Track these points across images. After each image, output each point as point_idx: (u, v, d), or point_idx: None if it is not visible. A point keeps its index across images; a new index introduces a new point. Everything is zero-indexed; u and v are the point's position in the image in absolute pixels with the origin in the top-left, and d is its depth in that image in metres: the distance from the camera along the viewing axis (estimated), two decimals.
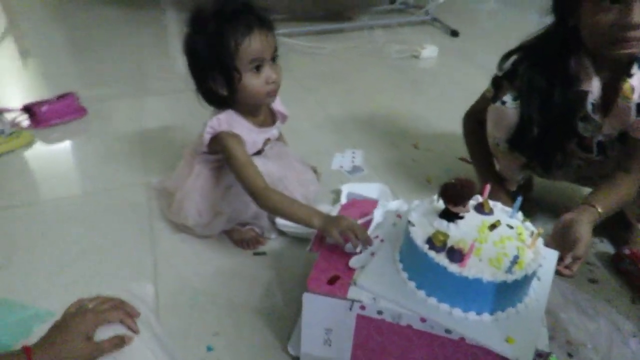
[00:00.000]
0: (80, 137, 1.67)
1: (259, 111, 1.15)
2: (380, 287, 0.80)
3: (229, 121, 1.08)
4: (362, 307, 0.79)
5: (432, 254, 0.75)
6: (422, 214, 0.84)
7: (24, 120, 1.69)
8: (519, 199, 0.84)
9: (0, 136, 1.54)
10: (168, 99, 1.90)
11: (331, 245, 0.90)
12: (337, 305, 0.80)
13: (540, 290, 0.81)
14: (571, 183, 1.31)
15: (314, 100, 1.95)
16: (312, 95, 1.98)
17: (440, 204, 0.83)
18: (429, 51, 2.31)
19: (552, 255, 0.89)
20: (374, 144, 1.65)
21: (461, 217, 0.81)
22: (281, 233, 1.22)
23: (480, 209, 0.86)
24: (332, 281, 0.83)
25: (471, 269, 0.73)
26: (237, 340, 0.97)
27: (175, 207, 1.20)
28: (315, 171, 1.42)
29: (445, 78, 2.16)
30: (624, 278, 1.12)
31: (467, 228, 0.81)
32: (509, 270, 0.73)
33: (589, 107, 1.05)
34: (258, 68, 1.02)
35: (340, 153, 1.58)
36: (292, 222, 1.00)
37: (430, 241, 0.77)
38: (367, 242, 0.88)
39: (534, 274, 0.76)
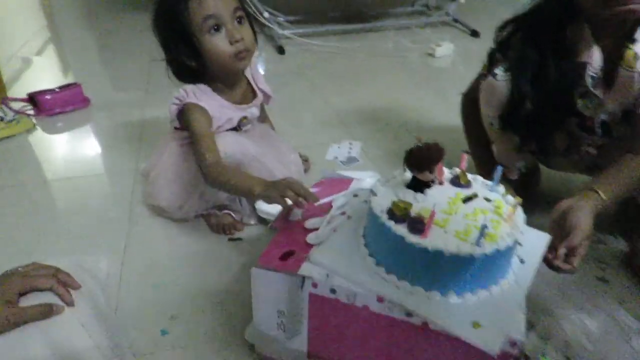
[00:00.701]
0: (80, 126, 1.67)
1: (235, 86, 1.09)
2: (336, 263, 0.71)
3: (196, 92, 1.02)
4: (315, 285, 0.70)
5: (390, 223, 0.66)
6: (388, 185, 0.75)
7: (29, 108, 1.71)
8: (499, 168, 0.74)
9: (2, 122, 1.56)
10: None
11: (293, 222, 0.83)
12: (288, 282, 0.72)
13: (522, 274, 0.70)
14: (581, 174, 1.17)
15: (320, 95, 1.89)
16: (318, 91, 1.92)
17: (409, 174, 0.74)
18: (445, 49, 2.22)
19: (542, 237, 0.78)
20: (375, 137, 1.56)
21: (429, 186, 0.72)
22: (262, 220, 1.15)
23: (456, 181, 0.76)
24: (285, 257, 0.74)
25: (432, 240, 0.63)
26: (195, 325, 0.90)
27: (149, 188, 1.15)
28: (306, 160, 1.35)
29: (459, 76, 2.03)
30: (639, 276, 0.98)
31: (436, 199, 0.71)
32: (477, 242, 0.63)
33: (589, 81, 0.94)
34: (217, 29, 0.97)
35: (336, 144, 1.51)
36: (234, 194, 1.04)
37: (390, 211, 0.68)
38: (308, 197, 0.79)
39: (509, 250, 0.65)
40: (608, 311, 0.83)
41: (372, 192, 0.73)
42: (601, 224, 1.13)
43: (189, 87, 1.03)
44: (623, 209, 1.13)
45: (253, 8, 2.29)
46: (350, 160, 1.42)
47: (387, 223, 0.66)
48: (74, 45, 2.53)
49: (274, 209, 0.95)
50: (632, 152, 0.93)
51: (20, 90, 1.84)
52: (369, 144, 1.52)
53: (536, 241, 0.77)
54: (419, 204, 0.70)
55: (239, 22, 1.00)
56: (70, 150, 1.54)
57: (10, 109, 1.63)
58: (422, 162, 0.69)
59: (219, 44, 0.97)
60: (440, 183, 0.75)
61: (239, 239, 1.12)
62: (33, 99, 1.71)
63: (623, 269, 1.02)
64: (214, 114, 1.03)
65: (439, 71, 2.17)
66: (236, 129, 1.11)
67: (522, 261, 0.72)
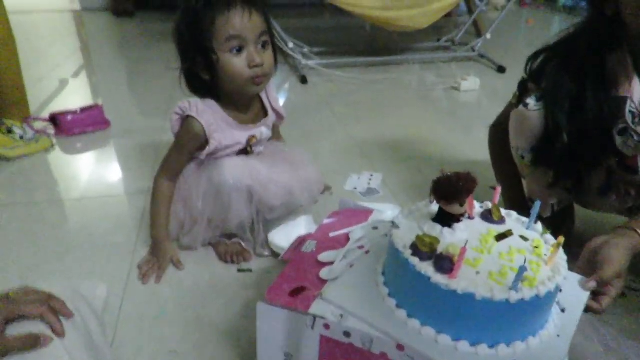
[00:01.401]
0: (98, 147, 1.66)
1: (247, 107, 1.05)
2: (351, 303, 0.64)
3: (199, 107, 0.99)
4: (327, 327, 0.63)
5: (414, 261, 0.58)
6: (412, 217, 0.68)
7: (50, 128, 1.71)
8: (538, 203, 0.66)
9: (21, 140, 1.56)
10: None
11: (306, 254, 0.76)
12: (297, 321, 0.65)
13: (564, 325, 0.61)
14: (619, 215, 1.08)
15: (342, 125, 1.85)
16: (340, 121, 1.89)
17: (435, 206, 0.67)
18: (471, 83, 2.17)
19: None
20: (397, 169, 1.50)
21: (458, 221, 0.65)
22: (275, 253, 1.09)
23: (487, 215, 0.68)
24: (295, 292, 0.67)
25: (462, 282, 0.55)
26: None
27: None
28: (328, 189, 1.30)
29: (485, 111, 1.99)
30: None
31: (466, 235, 0.64)
32: (514, 286, 0.55)
33: (628, 117, 0.86)
34: (240, 50, 0.94)
35: (356, 174, 1.45)
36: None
37: (414, 246, 0.61)
38: (158, 276, 1.02)
39: (550, 297, 0.57)
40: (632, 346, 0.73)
41: (394, 225, 0.66)
42: None
43: (194, 100, 1.00)
44: None
45: (278, 37, 2.30)
46: (370, 192, 1.36)
47: (411, 260, 0.59)
48: (103, 70, 2.57)
49: (288, 242, 0.89)
50: None
51: (46, 110, 1.85)
52: (391, 176, 1.45)
53: (577, 287, 0.68)
54: (447, 240, 0.62)
55: (262, 47, 0.97)
56: (86, 170, 1.52)
57: (31, 128, 1.63)
58: (451, 193, 0.62)
59: (237, 65, 0.95)
60: (471, 218, 0.68)
61: (249, 270, 1.05)
62: (54, 119, 1.71)
63: None
64: (214, 132, 0.99)
65: (464, 106, 2.12)
66: (246, 150, 1.07)
67: (563, 310, 0.63)
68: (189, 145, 1.01)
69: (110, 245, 1.13)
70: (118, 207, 1.30)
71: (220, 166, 1.00)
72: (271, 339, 0.68)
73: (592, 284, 0.68)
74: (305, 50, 2.50)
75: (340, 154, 1.61)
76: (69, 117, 1.70)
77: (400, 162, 1.55)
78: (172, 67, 1.03)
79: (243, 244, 1.08)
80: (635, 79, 0.86)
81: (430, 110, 2.06)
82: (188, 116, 0.98)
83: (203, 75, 0.98)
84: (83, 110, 1.73)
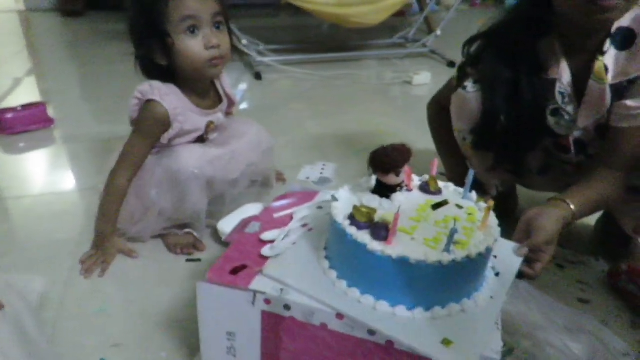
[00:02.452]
0: (42, 145, 1.58)
1: (205, 91, 1.04)
2: (292, 277, 0.63)
3: (162, 90, 0.96)
4: (267, 301, 0.62)
5: (352, 230, 0.59)
6: (352, 191, 0.69)
7: None
8: (471, 172, 0.68)
9: None
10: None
11: (249, 235, 0.75)
12: (238, 298, 0.64)
13: (497, 288, 0.63)
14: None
15: (296, 120, 1.85)
16: (295, 116, 1.88)
17: (374, 181, 0.68)
18: (422, 77, 2.22)
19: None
20: (352, 160, 1.51)
21: (396, 191, 0.66)
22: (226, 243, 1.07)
23: (425, 187, 0.70)
24: (236, 271, 0.66)
25: (397, 247, 0.56)
26: (138, 354, 0.80)
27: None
28: (282, 178, 1.31)
29: None
30: (622, 298, 0.92)
31: (403, 205, 0.64)
32: (446, 249, 0.56)
33: (559, 97, 0.90)
34: (195, 31, 0.92)
35: (309, 165, 1.45)
36: None
37: (352, 217, 0.61)
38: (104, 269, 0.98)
39: (482, 259, 0.59)
40: (593, 333, 0.76)
41: (334, 198, 0.66)
42: (583, 245, 1.09)
43: (156, 83, 0.97)
44: (603, 229, 1.08)
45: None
46: (323, 181, 1.36)
47: (349, 230, 0.59)
48: (51, 71, 2.46)
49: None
50: (606, 166, 0.89)
51: None
52: (345, 166, 1.46)
53: (511, 253, 0.70)
54: (384, 209, 0.63)
55: (217, 28, 0.96)
56: (28, 169, 1.45)
57: None
58: (387, 163, 0.63)
59: (194, 46, 0.93)
60: (409, 189, 0.69)
61: (198, 259, 1.03)
62: None
63: (605, 289, 0.96)
64: (177, 117, 0.97)
65: (417, 99, 2.16)
66: (202, 137, 1.05)
67: (497, 274, 0.65)
68: (153, 131, 0.97)
69: (52, 243, 1.08)
70: (61, 204, 1.24)
71: (178, 154, 0.98)
72: (213, 319, 0.66)
73: (525, 250, 0.71)
74: (261, 47, 2.49)
75: (296, 149, 1.60)
76: (10, 115, 1.62)
77: (355, 154, 1.56)
78: (124, 61, 1.01)
79: (196, 234, 1.06)
80: (563, 62, 0.89)
81: (385, 104, 2.09)
82: (149, 100, 0.95)
83: (160, 61, 0.95)
84: (25, 107, 1.65)
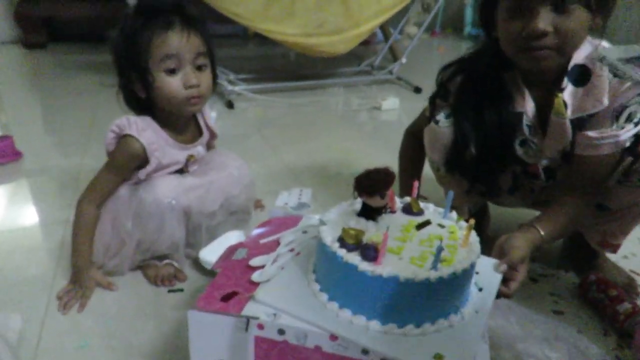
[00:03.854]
0: (10, 179, 1.53)
1: (184, 126, 1.05)
2: (284, 301, 0.64)
3: (139, 125, 0.96)
4: (260, 326, 0.63)
5: (342, 252, 0.61)
6: (338, 215, 0.71)
7: None
8: (450, 194, 0.72)
9: None
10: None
11: (237, 262, 0.76)
12: (230, 325, 0.64)
13: (481, 302, 0.66)
14: (529, 209, 1.18)
15: (270, 147, 1.87)
16: (268, 144, 1.91)
17: (359, 204, 0.71)
18: (390, 103, 2.29)
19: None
20: (327, 184, 1.54)
21: (381, 213, 0.68)
22: (207, 272, 1.06)
23: (408, 209, 0.73)
24: (227, 298, 0.67)
25: (387, 267, 0.59)
26: None
27: None
28: (260, 205, 1.33)
29: (405, 127, 2.11)
30: (593, 308, 0.97)
31: (389, 226, 0.67)
32: (433, 266, 0.59)
33: (526, 129, 0.96)
34: (175, 70, 0.94)
35: (286, 191, 1.47)
36: None
37: (341, 239, 0.63)
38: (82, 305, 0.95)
39: (467, 274, 0.62)
40: (569, 341, 0.80)
41: (321, 222, 0.68)
42: (552, 259, 1.15)
43: (134, 118, 0.97)
44: (571, 244, 1.14)
45: None
46: (301, 206, 1.38)
47: (338, 252, 0.61)
48: (14, 103, 2.41)
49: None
50: (574, 190, 0.94)
51: None
52: (321, 191, 1.49)
53: (491, 270, 0.74)
54: (371, 231, 0.66)
55: (199, 68, 0.97)
56: None
57: None
58: (372, 186, 0.65)
59: (172, 85, 0.94)
60: (393, 211, 0.72)
61: (180, 289, 1.02)
62: None
63: (576, 300, 1.01)
64: (154, 152, 0.97)
65: (386, 124, 2.23)
66: (182, 169, 1.06)
67: (480, 289, 0.68)
68: (126, 166, 0.98)
69: (24, 279, 1.04)
70: (32, 239, 1.21)
71: (153, 186, 0.98)
72: (204, 348, 0.66)
73: (504, 267, 0.75)
74: (231, 77, 2.52)
75: (271, 176, 1.62)
76: None
77: (329, 179, 1.59)
78: (105, 84, 1.02)
79: (176, 264, 1.05)
80: (527, 95, 0.95)
81: (355, 129, 2.14)
82: (126, 135, 0.95)
83: (139, 93, 0.97)
84: None
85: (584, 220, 0.98)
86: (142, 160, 0.97)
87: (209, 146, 1.17)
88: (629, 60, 0.50)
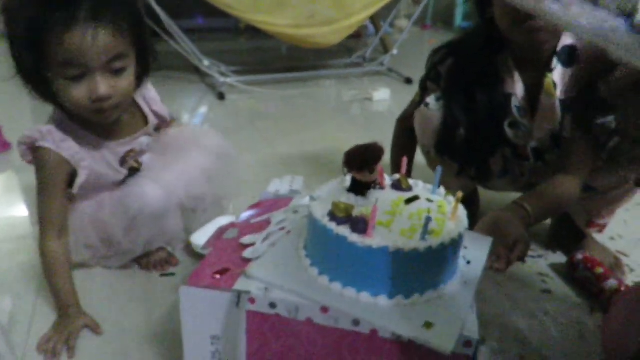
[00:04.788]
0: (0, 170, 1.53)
1: (115, 122, 0.89)
2: (275, 276, 0.65)
3: (57, 135, 0.82)
4: (252, 301, 0.63)
5: (332, 225, 0.62)
6: (329, 192, 0.72)
7: None
8: (439, 169, 0.73)
9: None
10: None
11: (228, 241, 0.76)
12: (222, 300, 0.64)
13: (470, 275, 0.67)
14: (517, 192, 1.20)
15: (262, 138, 1.87)
16: (260, 134, 1.91)
17: (348, 181, 0.71)
18: (382, 94, 2.30)
19: (484, 241, 0.76)
20: (319, 172, 1.55)
21: (371, 188, 0.69)
22: (199, 256, 1.06)
23: (397, 185, 0.74)
24: (219, 274, 0.67)
25: (377, 238, 0.59)
26: None
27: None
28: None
29: (396, 117, 2.12)
30: (580, 286, 0.98)
31: (379, 201, 0.68)
32: (422, 237, 0.59)
33: (515, 111, 0.98)
34: (79, 77, 0.75)
35: (278, 179, 1.47)
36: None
37: (331, 214, 0.64)
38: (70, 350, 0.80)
39: (455, 245, 0.63)
40: (555, 314, 0.81)
41: (312, 198, 0.68)
42: (541, 240, 1.16)
43: (47, 128, 0.83)
44: (559, 225, 1.15)
45: (193, 57, 2.30)
46: (292, 194, 1.37)
47: (329, 225, 0.62)
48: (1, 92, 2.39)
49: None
50: (563, 171, 0.96)
51: None
52: (313, 179, 1.49)
53: (480, 244, 0.75)
54: (361, 206, 0.66)
55: (115, 73, 0.79)
56: None
57: None
58: (361, 161, 0.66)
59: (75, 95, 0.77)
60: (382, 187, 0.73)
61: (172, 274, 1.02)
62: None
63: (564, 280, 1.02)
64: (80, 162, 0.85)
65: (378, 115, 2.24)
66: (122, 164, 0.94)
67: (468, 262, 0.69)
68: (57, 179, 0.84)
69: (15, 265, 1.03)
70: (21, 228, 1.19)
71: (142, 195, 0.89)
72: (197, 324, 0.67)
73: (503, 267, 0.76)
74: (223, 69, 2.51)
75: (263, 166, 1.62)
76: None
77: (321, 167, 1.59)
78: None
79: (169, 249, 1.05)
80: (517, 77, 0.97)
81: (346, 120, 2.15)
82: (39, 147, 0.82)
83: (40, 94, 0.80)
84: None
85: (571, 201, 1.00)
86: (69, 168, 0.85)
87: (162, 129, 1.03)
88: None
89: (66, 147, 0.83)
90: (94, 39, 0.73)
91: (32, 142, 0.83)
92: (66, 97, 0.78)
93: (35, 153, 0.84)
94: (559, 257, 1.10)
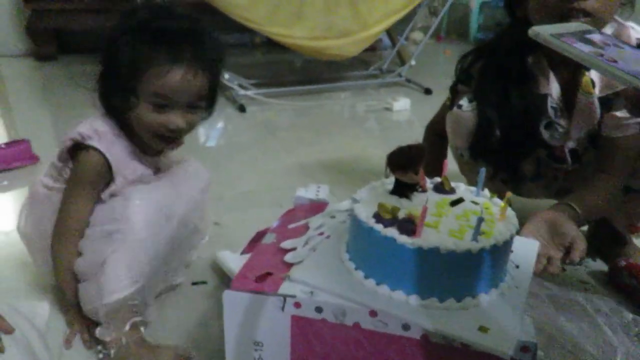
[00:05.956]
0: (27, 182, 1.54)
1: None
2: (319, 279, 0.64)
3: (109, 137, 0.82)
4: (297, 305, 0.62)
5: (379, 227, 0.60)
6: (370, 194, 0.71)
7: None
8: (482, 171, 0.71)
9: None
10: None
11: (267, 246, 0.75)
12: (267, 304, 0.63)
13: (520, 278, 0.65)
14: (550, 199, 1.17)
15: (283, 148, 1.88)
16: (281, 144, 1.92)
17: (390, 184, 0.70)
18: (402, 104, 2.29)
19: (531, 244, 0.74)
20: (342, 181, 1.54)
21: (415, 190, 0.68)
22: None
23: (439, 187, 0.72)
24: (261, 279, 0.66)
25: (427, 239, 0.58)
26: None
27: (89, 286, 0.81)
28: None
29: (417, 127, 2.10)
30: (623, 293, 0.96)
31: (423, 202, 0.66)
32: (474, 237, 0.58)
33: (551, 112, 0.96)
34: (162, 107, 0.80)
35: (303, 188, 1.46)
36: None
37: (377, 215, 0.62)
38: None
39: (507, 247, 0.61)
40: (601, 325, 0.78)
41: (354, 200, 0.67)
42: None
43: (102, 127, 0.83)
44: (597, 230, 1.13)
45: None
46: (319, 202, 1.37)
47: (375, 227, 0.60)
48: (25, 112, 2.44)
49: (236, 260, 0.85)
50: (603, 172, 0.94)
51: None
52: (337, 187, 1.48)
53: (526, 248, 0.73)
54: (406, 208, 0.65)
55: (193, 108, 0.83)
56: (12, 205, 1.40)
57: None
58: (406, 161, 0.65)
59: (151, 119, 0.81)
60: (424, 190, 0.71)
61: (204, 282, 1.01)
62: None
63: (606, 288, 1.00)
64: (122, 170, 0.84)
65: (397, 124, 2.24)
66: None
67: (517, 266, 0.67)
68: (93, 184, 0.83)
69: (46, 273, 1.03)
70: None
71: (130, 215, 0.80)
72: (239, 329, 0.65)
73: (558, 269, 0.75)
74: (242, 81, 2.53)
75: (286, 174, 1.62)
76: None
77: (344, 176, 1.59)
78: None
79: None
80: (552, 77, 0.95)
81: (366, 130, 2.15)
82: (89, 147, 0.81)
83: (114, 101, 0.83)
84: (8, 145, 1.62)
85: (615, 202, 0.97)
86: (108, 178, 0.84)
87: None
88: (561, 36, 0.52)
89: (115, 152, 0.83)
90: (192, 79, 0.79)
91: (83, 139, 0.81)
92: (142, 119, 0.81)
93: (80, 151, 0.82)
94: (599, 265, 1.07)
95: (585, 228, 1.17)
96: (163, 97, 0.79)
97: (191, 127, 0.85)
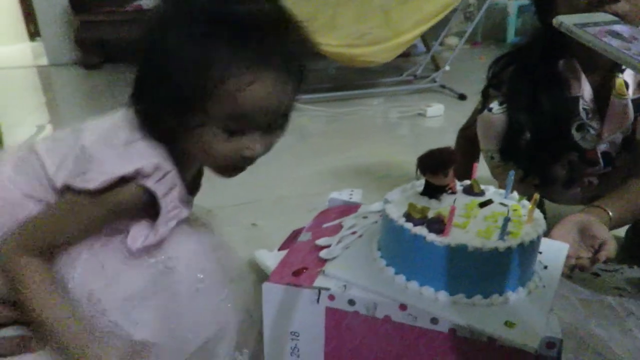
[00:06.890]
0: None
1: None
2: (353, 274, 0.67)
3: (171, 180, 0.62)
4: (331, 298, 0.66)
5: (409, 226, 0.64)
6: (401, 195, 0.74)
7: None
8: (512, 173, 0.73)
9: None
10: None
11: (302, 243, 0.79)
12: (302, 296, 0.67)
13: (547, 278, 0.67)
14: (583, 206, 1.16)
15: (316, 153, 1.93)
16: (315, 148, 1.97)
17: (420, 186, 0.73)
18: (435, 109, 2.31)
19: (560, 247, 0.75)
20: (375, 186, 1.57)
21: (445, 191, 0.71)
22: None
23: (469, 189, 0.75)
24: (298, 273, 0.71)
25: (454, 238, 0.61)
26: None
27: None
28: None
29: (450, 133, 2.11)
30: None
31: (452, 204, 0.69)
32: (501, 237, 0.60)
33: (582, 114, 0.97)
34: (236, 132, 0.59)
35: (337, 192, 1.50)
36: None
37: (407, 215, 0.66)
38: None
39: (534, 247, 0.63)
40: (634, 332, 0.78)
41: (386, 201, 0.71)
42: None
43: (164, 164, 0.60)
44: (634, 237, 1.11)
45: None
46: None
47: (406, 225, 0.64)
48: (70, 118, 2.60)
49: (272, 258, 0.90)
50: (637, 176, 0.94)
51: None
52: (370, 191, 1.51)
53: (555, 250, 0.74)
54: (436, 208, 0.68)
55: (270, 127, 0.62)
56: None
57: None
58: (436, 163, 0.68)
59: (220, 147, 0.60)
60: (453, 192, 0.74)
61: None
62: None
63: None
64: (169, 210, 0.63)
65: (431, 130, 2.25)
66: None
67: (545, 267, 0.69)
68: (122, 215, 0.62)
69: None
70: None
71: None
72: (277, 320, 0.70)
73: (587, 263, 0.76)
74: None
75: (320, 179, 1.67)
76: None
77: (377, 180, 1.62)
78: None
79: None
80: (584, 79, 0.96)
81: (399, 136, 2.18)
82: (140, 185, 0.59)
83: (166, 121, 0.59)
84: None
85: None
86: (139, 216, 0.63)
87: None
88: (585, 25, 0.51)
89: (171, 198, 0.62)
90: (281, 93, 0.58)
91: (140, 175, 0.59)
92: (212, 147, 0.60)
93: (121, 186, 0.58)
94: (636, 272, 1.06)
95: (622, 234, 1.16)
96: (240, 119, 0.58)
97: (264, 151, 0.64)
